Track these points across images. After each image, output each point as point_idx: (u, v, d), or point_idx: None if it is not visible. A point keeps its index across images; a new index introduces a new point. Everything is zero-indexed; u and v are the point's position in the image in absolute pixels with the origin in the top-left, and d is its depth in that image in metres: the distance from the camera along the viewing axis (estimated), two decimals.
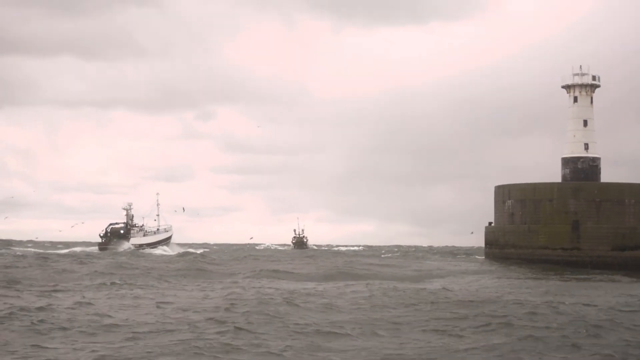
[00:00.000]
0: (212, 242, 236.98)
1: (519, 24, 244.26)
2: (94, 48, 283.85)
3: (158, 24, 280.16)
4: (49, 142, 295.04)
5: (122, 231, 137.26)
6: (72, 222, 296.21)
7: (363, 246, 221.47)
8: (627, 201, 76.59)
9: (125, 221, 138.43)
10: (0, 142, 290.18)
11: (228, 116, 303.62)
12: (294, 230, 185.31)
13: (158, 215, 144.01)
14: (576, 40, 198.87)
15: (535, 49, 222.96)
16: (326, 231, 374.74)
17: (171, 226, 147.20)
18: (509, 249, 79.23)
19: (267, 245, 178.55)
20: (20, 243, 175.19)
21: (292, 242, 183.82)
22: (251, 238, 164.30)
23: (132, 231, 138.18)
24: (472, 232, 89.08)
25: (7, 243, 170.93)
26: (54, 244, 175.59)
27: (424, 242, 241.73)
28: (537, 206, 78.19)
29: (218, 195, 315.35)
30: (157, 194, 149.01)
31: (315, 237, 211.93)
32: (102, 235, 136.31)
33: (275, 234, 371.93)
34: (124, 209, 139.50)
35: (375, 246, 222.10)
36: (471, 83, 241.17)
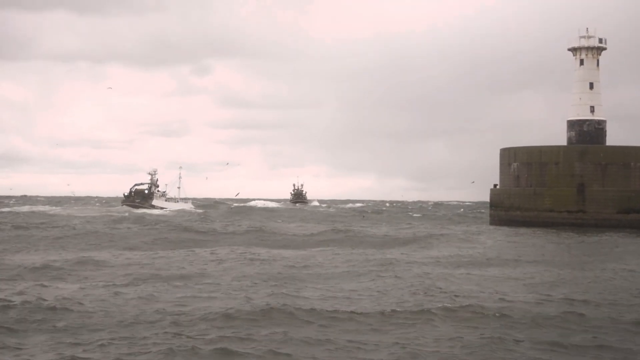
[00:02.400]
0: (210, 197, 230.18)
1: None
2: (87, 2, 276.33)
3: None
4: (44, 97, 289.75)
5: (145, 191, 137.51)
6: (71, 176, 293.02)
7: (364, 202, 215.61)
8: (632, 164, 73.29)
9: (150, 184, 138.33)
10: None
11: (224, 71, 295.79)
12: (293, 185, 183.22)
13: (179, 187, 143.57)
14: None
15: (539, 4, 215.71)
16: (324, 186, 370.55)
17: (190, 200, 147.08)
18: (514, 211, 76.24)
19: (261, 204, 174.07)
20: (29, 199, 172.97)
21: (291, 193, 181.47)
22: (237, 194, 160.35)
23: (155, 194, 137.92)
24: (472, 182, 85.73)
25: (24, 199, 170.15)
26: (63, 199, 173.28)
27: (423, 197, 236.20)
28: (543, 169, 75.10)
29: (216, 150, 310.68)
30: (180, 167, 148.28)
31: (314, 192, 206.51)
32: (125, 194, 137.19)
33: (273, 189, 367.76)
34: (148, 173, 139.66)
35: (379, 201, 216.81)
36: (469, 39, 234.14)
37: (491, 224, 79.29)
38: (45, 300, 23.03)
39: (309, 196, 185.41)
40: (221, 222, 79.84)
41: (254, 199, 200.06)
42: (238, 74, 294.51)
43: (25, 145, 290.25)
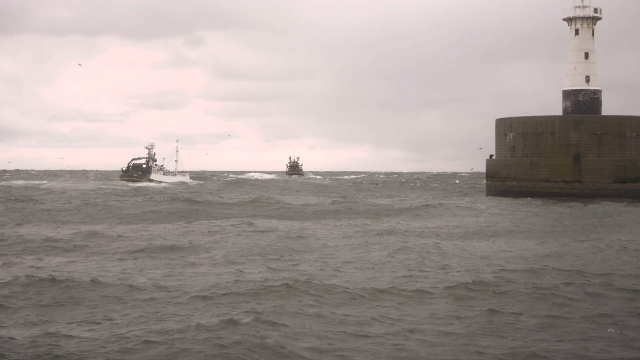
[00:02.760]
0: (206, 170, 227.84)
1: None
2: None
3: None
4: (38, 71, 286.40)
5: (143, 166, 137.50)
6: (66, 150, 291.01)
7: (359, 173, 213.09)
8: (628, 134, 73.06)
9: (147, 158, 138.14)
10: None
11: (217, 43, 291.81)
12: (289, 158, 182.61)
13: (177, 161, 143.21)
14: None
15: None
16: (320, 158, 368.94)
17: (188, 174, 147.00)
18: (510, 181, 76.00)
19: (257, 176, 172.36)
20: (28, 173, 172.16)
21: (287, 165, 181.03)
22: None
23: (152, 168, 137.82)
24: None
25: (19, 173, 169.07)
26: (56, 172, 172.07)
27: (418, 168, 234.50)
28: (539, 139, 74.80)
29: (210, 122, 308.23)
30: (177, 140, 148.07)
31: (309, 164, 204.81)
32: (124, 169, 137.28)
33: (268, 161, 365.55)
34: (146, 147, 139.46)
35: (374, 172, 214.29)
36: (463, 7, 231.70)
37: (488, 194, 79.12)
38: (57, 274, 22.68)
39: (304, 168, 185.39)
40: (219, 194, 79.55)
41: (249, 171, 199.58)
42: (231, 45, 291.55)
43: (20, 119, 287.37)
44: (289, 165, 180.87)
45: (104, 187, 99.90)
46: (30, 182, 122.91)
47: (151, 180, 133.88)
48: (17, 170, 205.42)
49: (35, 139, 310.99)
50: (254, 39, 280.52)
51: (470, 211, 54.17)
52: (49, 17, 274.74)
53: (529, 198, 70.24)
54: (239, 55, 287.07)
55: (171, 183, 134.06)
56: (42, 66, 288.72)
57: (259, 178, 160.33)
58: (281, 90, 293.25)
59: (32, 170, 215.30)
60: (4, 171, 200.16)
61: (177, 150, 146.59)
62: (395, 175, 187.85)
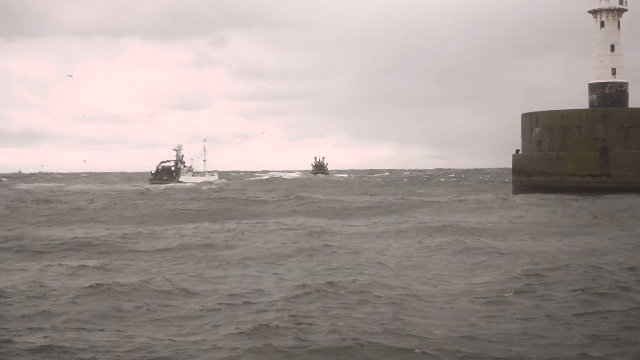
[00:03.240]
0: (231, 170, 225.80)
1: None
2: None
3: None
4: (62, 73, 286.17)
5: (172, 168, 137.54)
6: (93, 152, 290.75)
7: (383, 171, 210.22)
8: None
9: (176, 160, 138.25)
10: (14, 74, 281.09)
11: (240, 42, 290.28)
12: (315, 158, 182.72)
13: (205, 160, 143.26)
14: None
15: None
16: (344, 156, 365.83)
17: (216, 171, 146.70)
18: (537, 176, 74.84)
19: (276, 175, 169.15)
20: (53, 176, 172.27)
21: (313, 165, 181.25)
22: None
23: (181, 170, 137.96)
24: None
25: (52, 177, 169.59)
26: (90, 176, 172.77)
27: (442, 165, 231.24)
28: (565, 133, 73.58)
29: (235, 122, 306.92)
30: (204, 140, 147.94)
31: (333, 162, 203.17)
32: (153, 172, 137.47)
33: (293, 160, 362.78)
34: (174, 149, 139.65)
35: (399, 170, 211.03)
36: (485, 2, 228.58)
37: (514, 189, 78.03)
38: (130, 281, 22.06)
39: (329, 167, 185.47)
40: (255, 192, 79.13)
41: (274, 171, 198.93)
42: (254, 45, 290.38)
43: (46, 122, 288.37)
44: (314, 164, 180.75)
45: (132, 189, 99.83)
46: (59, 185, 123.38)
47: (180, 182, 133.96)
48: (46, 172, 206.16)
49: (61, 142, 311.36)
50: (277, 37, 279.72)
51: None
52: (72, 19, 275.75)
53: (558, 194, 69.04)
54: (263, 55, 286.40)
55: (200, 183, 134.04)
56: (67, 69, 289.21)
57: (284, 177, 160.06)
58: (305, 88, 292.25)
59: (58, 173, 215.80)
60: (31, 174, 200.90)
61: (204, 150, 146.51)
62: (421, 173, 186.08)
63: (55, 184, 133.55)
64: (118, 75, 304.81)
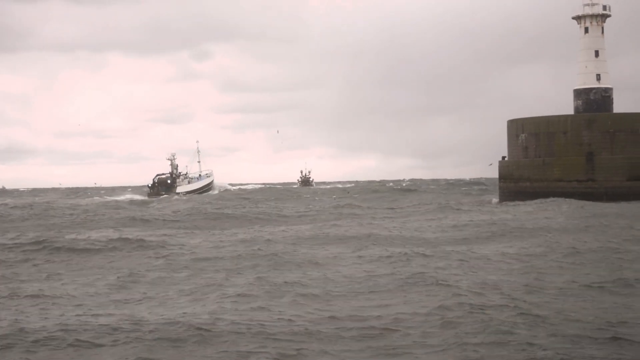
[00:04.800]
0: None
1: None
2: None
3: None
4: (45, 88, 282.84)
5: (168, 181, 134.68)
6: (77, 167, 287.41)
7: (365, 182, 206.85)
8: None
9: (171, 171, 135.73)
10: None
11: (224, 55, 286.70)
12: (301, 172, 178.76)
13: (199, 161, 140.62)
14: None
15: None
16: (330, 168, 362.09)
17: (212, 171, 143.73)
18: (523, 182, 73.37)
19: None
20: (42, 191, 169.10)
21: (298, 181, 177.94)
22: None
23: (177, 180, 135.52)
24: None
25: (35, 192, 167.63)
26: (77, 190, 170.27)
27: (429, 175, 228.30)
28: (551, 139, 72.15)
29: (220, 135, 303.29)
30: (197, 141, 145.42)
31: (319, 174, 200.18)
32: (149, 185, 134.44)
33: (278, 173, 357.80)
34: (168, 159, 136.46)
35: (383, 180, 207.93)
36: (469, 12, 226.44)
37: (501, 196, 76.52)
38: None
39: (315, 180, 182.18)
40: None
41: (257, 184, 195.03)
42: (238, 57, 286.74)
43: (29, 137, 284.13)
44: (300, 179, 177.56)
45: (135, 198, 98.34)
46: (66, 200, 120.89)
47: (178, 194, 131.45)
48: (34, 189, 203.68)
49: (44, 157, 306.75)
50: (260, 50, 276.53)
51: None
52: (54, 34, 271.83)
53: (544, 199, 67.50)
54: (246, 67, 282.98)
55: (198, 190, 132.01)
56: (50, 83, 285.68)
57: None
58: (289, 100, 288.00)
59: (46, 187, 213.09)
60: (16, 190, 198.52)
61: (198, 151, 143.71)
62: (410, 182, 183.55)
63: (101, 198, 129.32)
64: (102, 89, 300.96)
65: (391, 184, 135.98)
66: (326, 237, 35.55)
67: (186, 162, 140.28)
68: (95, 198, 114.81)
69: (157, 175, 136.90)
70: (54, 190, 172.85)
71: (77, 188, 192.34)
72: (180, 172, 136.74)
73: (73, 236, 36.94)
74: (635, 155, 69.45)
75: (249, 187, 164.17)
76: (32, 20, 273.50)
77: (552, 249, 28.53)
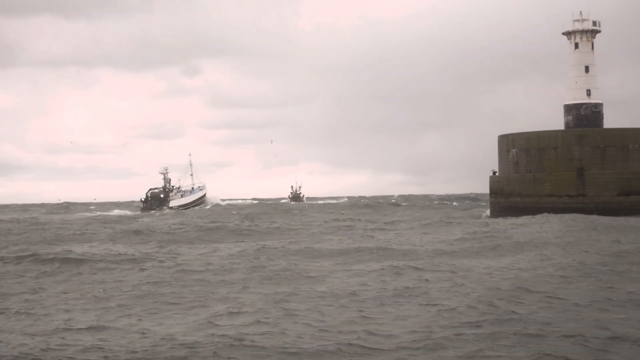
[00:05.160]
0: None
1: None
2: (73, 6, 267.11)
3: None
4: (35, 103, 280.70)
5: (161, 195, 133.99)
6: (67, 183, 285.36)
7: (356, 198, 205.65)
8: (631, 146, 70.15)
9: (163, 185, 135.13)
10: None
11: (213, 71, 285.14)
12: (291, 187, 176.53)
13: (192, 174, 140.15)
14: None
15: None
16: (320, 183, 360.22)
17: (204, 184, 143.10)
18: (514, 197, 73.12)
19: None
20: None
21: (289, 197, 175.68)
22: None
23: (170, 194, 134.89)
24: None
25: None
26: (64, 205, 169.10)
27: (419, 191, 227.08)
28: (542, 154, 71.99)
29: (209, 151, 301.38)
30: (190, 154, 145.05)
31: (309, 190, 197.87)
32: (143, 200, 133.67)
33: (268, 188, 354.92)
34: (160, 173, 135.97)
35: (373, 196, 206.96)
36: (459, 29, 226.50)
37: (492, 211, 76.26)
38: None
39: (306, 195, 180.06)
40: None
41: (246, 199, 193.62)
42: (228, 73, 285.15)
43: (18, 153, 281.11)
44: (291, 195, 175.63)
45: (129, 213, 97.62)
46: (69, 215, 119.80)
47: (171, 209, 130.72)
48: (32, 204, 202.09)
49: (34, 173, 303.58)
50: (250, 65, 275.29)
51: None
52: (44, 49, 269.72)
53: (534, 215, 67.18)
54: (236, 83, 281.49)
55: (191, 204, 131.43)
56: (39, 99, 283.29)
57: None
58: (279, 116, 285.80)
59: (44, 202, 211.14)
60: (6, 205, 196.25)
61: (190, 164, 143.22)
62: (401, 198, 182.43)
63: (90, 213, 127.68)
64: (91, 105, 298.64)
65: (381, 201, 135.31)
66: (316, 251, 35.15)
67: (177, 177, 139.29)
68: (85, 214, 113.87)
69: (150, 189, 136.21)
70: (58, 206, 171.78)
71: (77, 203, 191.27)
72: (173, 186, 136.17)
73: (58, 249, 36.45)
74: (625, 171, 69.41)
75: (239, 202, 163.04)
76: (21, 36, 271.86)
77: (542, 264, 28.19)
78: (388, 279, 25.15)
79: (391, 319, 18.27)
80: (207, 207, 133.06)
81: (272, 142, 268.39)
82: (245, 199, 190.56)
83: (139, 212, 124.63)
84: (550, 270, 26.19)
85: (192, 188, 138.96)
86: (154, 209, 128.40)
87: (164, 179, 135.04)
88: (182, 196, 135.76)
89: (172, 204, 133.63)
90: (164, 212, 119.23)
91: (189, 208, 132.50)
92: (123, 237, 48.48)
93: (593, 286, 22.64)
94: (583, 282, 23.59)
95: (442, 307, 19.25)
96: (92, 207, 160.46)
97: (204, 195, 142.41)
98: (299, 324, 17.78)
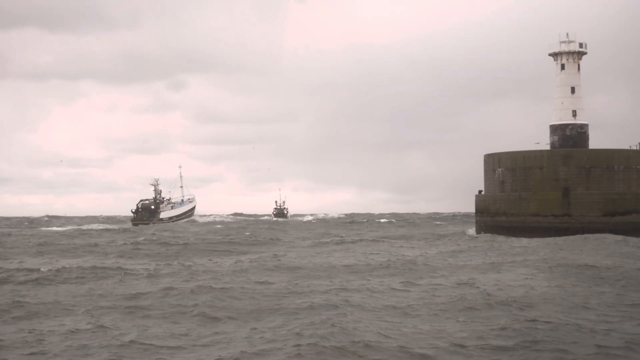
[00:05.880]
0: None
1: None
2: (58, 19, 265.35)
3: None
4: (19, 116, 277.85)
5: (152, 207, 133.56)
6: (51, 197, 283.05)
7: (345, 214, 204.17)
8: (616, 167, 69.87)
9: (154, 196, 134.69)
10: None
11: (199, 86, 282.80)
12: (275, 202, 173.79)
13: (182, 186, 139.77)
14: (550, 1, 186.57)
15: (511, 12, 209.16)
16: (305, 200, 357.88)
17: (194, 196, 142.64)
18: (500, 216, 72.70)
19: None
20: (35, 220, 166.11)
21: (273, 213, 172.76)
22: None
23: (161, 205, 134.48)
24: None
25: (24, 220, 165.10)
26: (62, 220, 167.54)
27: (403, 209, 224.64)
28: (528, 174, 71.63)
29: (194, 166, 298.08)
30: (180, 166, 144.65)
31: (294, 206, 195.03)
32: (133, 211, 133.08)
33: (253, 204, 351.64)
34: (151, 184, 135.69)
35: (359, 213, 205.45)
36: (444, 48, 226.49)
37: (477, 229, 75.85)
38: None
39: (290, 212, 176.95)
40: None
41: (225, 215, 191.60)
42: (213, 88, 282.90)
43: (2, 166, 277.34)
44: (275, 211, 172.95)
45: (114, 227, 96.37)
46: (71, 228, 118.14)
47: (161, 220, 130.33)
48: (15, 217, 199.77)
49: (19, 186, 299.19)
50: (236, 82, 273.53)
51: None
52: (28, 62, 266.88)
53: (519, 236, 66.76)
54: (221, 99, 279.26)
55: (181, 216, 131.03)
56: (23, 111, 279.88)
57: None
58: (264, 133, 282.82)
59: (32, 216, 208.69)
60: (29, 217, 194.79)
61: (180, 177, 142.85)
62: (384, 216, 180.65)
63: (76, 226, 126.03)
64: (76, 118, 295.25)
65: (365, 220, 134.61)
66: (304, 268, 34.49)
67: (166, 190, 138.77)
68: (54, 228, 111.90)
69: (141, 200, 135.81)
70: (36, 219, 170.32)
71: (61, 217, 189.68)
72: (163, 197, 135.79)
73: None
74: (610, 191, 69.20)
75: (216, 218, 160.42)
76: (6, 48, 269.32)
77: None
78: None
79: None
80: (198, 219, 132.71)
81: (254, 147, 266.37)
82: (223, 215, 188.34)
83: (118, 226, 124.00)
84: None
85: (182, 200, 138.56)
86: (145, 220, 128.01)
87: (155, 190, 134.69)
88: (172, 208, 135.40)
89: (163, 215, 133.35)
90: (154, 224, 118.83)
91: (180, 219, 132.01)
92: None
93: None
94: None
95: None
96: (75, 220, 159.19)
97: (194, 207, 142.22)
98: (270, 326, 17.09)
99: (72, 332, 20.00)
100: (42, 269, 35.01)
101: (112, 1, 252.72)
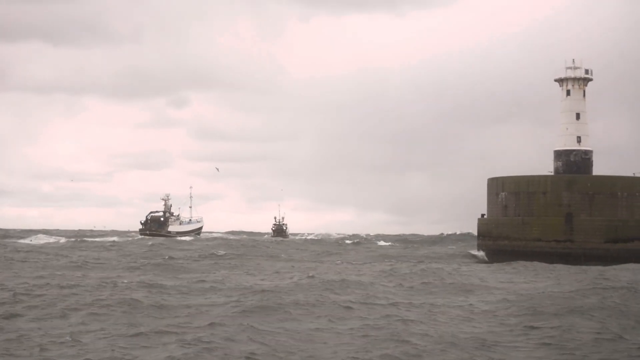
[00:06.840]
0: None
1: (494, 10, 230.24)
2: (62, 33, 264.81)
3: (128, 8, 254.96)
4: (20, 129, 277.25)
5: (161, 219, 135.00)
6: (51, 210, 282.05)
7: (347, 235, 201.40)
8: (619, 194, 69.03)
9: (164, 210, 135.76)
10: None
11: (201, 103, 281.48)
12: (275, 218, 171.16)
13: (191, 207, 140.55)
14: (554, 27, 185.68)
15: (513, 36, 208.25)
16: (304, 219, 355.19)
17: (202, 217, 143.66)
18: (502, 240, 71.84)
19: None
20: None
21: (272, 230, 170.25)
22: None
23: (169, 219, 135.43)
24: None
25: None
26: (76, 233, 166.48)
27: (402, 231, 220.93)
28: (531, 199, 70.84)
29: (194, 183, 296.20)
30: (190, 187, 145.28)
31: (293, 226, 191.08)
32: (142, 222, 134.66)
33: (252, 223, 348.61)
34: (162, 199, 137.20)
35: (357, 234, 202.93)
36: (448, 71, 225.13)
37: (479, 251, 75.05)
38: None
39: (290, 231, 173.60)
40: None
41: (222, 232, 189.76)
42: (215, 106, 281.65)
43: (2, 178, 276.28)
44: (274, 228, 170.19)
45: (122, 240, 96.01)
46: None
47: (169, 233, 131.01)
48: (27, 229, 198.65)
49: (18, 198, 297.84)
50: (238, 100, 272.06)
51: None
52: (31, 75, 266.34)
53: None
54: (223, 116, 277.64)
55: (188, 232, 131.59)
56: (25, 125, 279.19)
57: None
58: (265, 151, 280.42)
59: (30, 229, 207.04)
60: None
61: (190, 197, 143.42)
62: (379, 237, 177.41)
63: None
64: (78, 133, 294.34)
65: (362, 238, 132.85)
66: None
67: (173, 208, 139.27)
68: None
69: (151, 212, 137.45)
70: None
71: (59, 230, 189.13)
72: (172, 213, 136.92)
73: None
74: (613, 218, 68.42)
75: (214, 234, 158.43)
76: (9, 61, 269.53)
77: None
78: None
79: None
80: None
81: (282, 189, 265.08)
82: (220, 232, 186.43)
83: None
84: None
85: (190, 220, 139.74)
86: (153, 231, 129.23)
87: (165, 204, 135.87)
88: (180, 224, 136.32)
89: (172, 228, 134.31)
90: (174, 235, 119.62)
91: (187, 235, 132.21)
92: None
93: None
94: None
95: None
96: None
97: (201, 227, 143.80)
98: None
99: None
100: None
101: (116, 17, 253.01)
